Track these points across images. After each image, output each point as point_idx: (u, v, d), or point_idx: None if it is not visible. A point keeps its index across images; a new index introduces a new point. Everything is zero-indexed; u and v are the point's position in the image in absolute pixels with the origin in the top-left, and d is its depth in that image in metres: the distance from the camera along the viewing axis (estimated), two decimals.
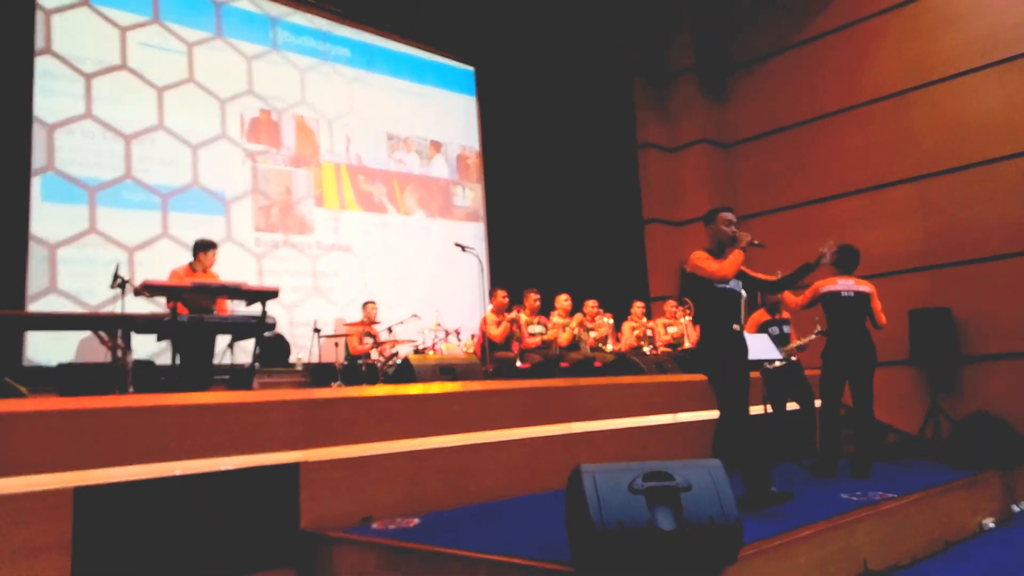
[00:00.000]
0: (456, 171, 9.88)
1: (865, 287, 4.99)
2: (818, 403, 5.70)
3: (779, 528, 3.06)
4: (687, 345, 7.91)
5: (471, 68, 10.16)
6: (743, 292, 4.02)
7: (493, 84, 10.06)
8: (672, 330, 7.97)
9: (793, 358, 5.71)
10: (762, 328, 5.99)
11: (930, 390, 7.33)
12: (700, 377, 6.49)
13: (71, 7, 7.09)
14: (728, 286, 3.82)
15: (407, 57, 9.59)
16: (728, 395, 3.75)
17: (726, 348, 3.80)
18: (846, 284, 4.96)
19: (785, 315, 6.18)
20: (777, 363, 5.45)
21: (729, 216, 3.93)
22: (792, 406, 5.86)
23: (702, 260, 3.81)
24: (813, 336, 5.55)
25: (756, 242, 3.95)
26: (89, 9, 7.20)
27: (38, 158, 6.67)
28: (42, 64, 6.82)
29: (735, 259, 3.80)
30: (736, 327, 3.88)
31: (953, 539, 3.93)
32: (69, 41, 7.03)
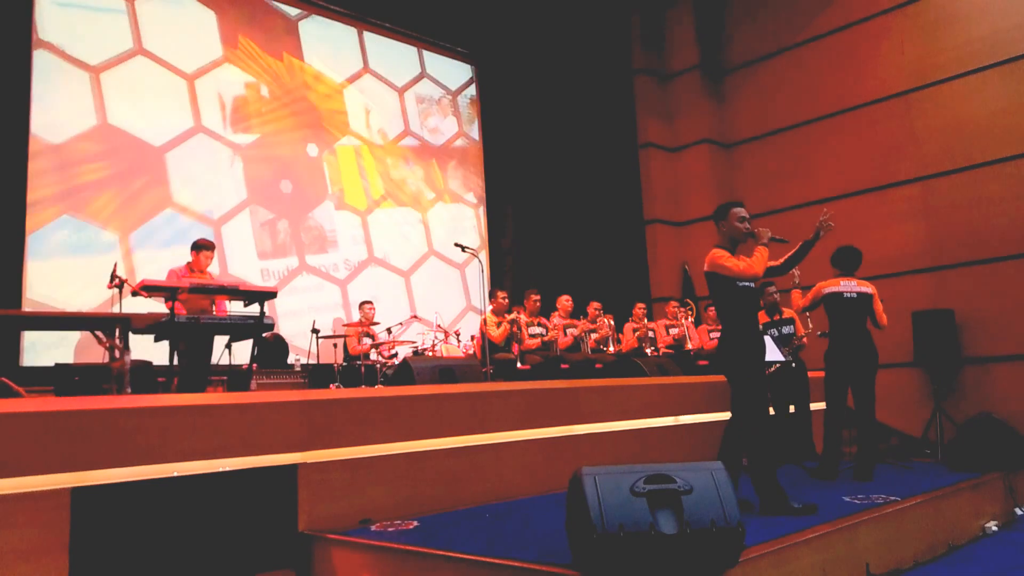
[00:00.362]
0: None
1: (867, 288, 4.98)
2: (817, 405, 5.67)
3: (781, 531, 3.03)
4: (689, 346, 7.88)
5: (470, 65, 10.12)
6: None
7: (493, 83, 10.03)
8: (673, 331, 7.94)
9: (793, 364, 5.67)
10: (762, 330, 5.96)
11: (933, 392, 7.30)
12: (702, 379, 6.48)
13: None
14: (749, 284, 3.75)
15: None
16: (750, 397, 3.67)
17: (751, 349, 3.72)
18: (848, 285, 4.95)
19: (786, 315, 6.16)
20: (776, 365, 5.43)
21: (742, 212, 3.87)
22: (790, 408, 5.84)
23: (726, 259, 3.70)
24: (806, 333, 5.52)
25: (778, 237, 3.89)
26: None
27: None
28: None
29: (762, 256, 3.74)
30: (759, 327, 3.83)
31: (956, 542, 3.91)
32: None
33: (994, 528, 4.27)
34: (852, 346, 4.89)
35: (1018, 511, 4.63)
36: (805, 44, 9.32)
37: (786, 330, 6.07)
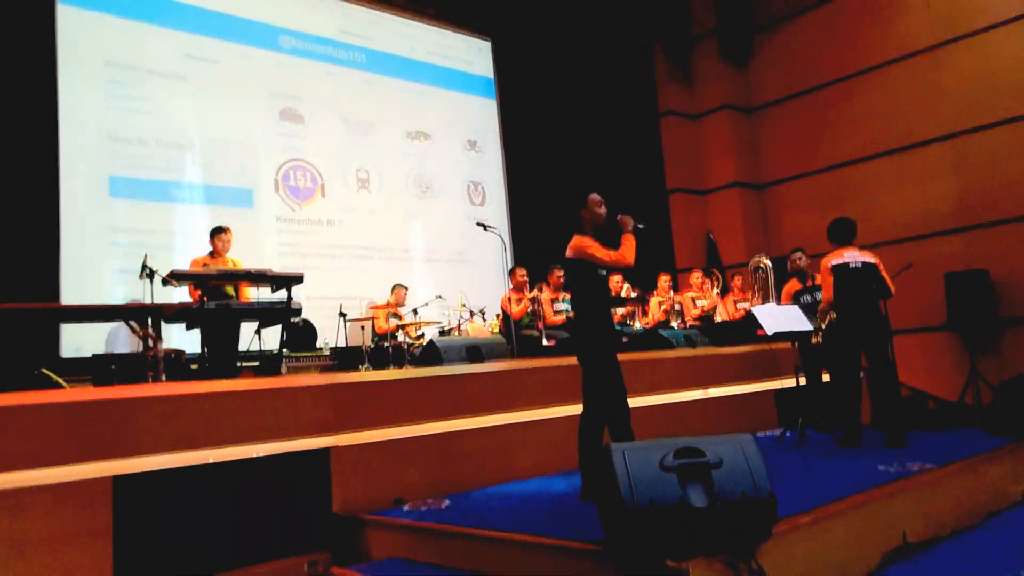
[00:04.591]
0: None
1: (871, 257, 4.98)
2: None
3: (814, 502, 3.01)
4: (719, 318, 7.80)
5: (487, 40, 10.02)
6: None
7: (511, 57, 9.91)
8: (702, 303, 7.88)
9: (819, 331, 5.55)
10: (795, 297, 5.88)
11: (969, 355, 7.17)
12: (731, 350, 6.44)
13: None
14: (604, 273, 3.77)
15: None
16: (605, 385, 3.62)
17: (607, 337, 3.72)
18: (852, 255, 4.94)
19: (817, 281, 6.06)
20: (815, 337, 5.34)
21: (598, 197, 3.89)
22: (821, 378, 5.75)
23: (596, 248, 3.71)
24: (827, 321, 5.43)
25: (640, 225, 3.89)
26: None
27: None
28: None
29: (631, 244, 3.76)
30: (611, 315, 3.87)
31: (995, 508, 3.85)
32: None
33: None
34: (861, 316, 4.87)
35: None
36: (827, 3, 9.07)
37: (819, 296, 5.96)
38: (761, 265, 7.58)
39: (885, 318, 4.90)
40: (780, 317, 5.24)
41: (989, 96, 7.73)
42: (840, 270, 4.92)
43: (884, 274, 4.95)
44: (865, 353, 4.93)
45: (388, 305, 7.27)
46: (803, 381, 5.45)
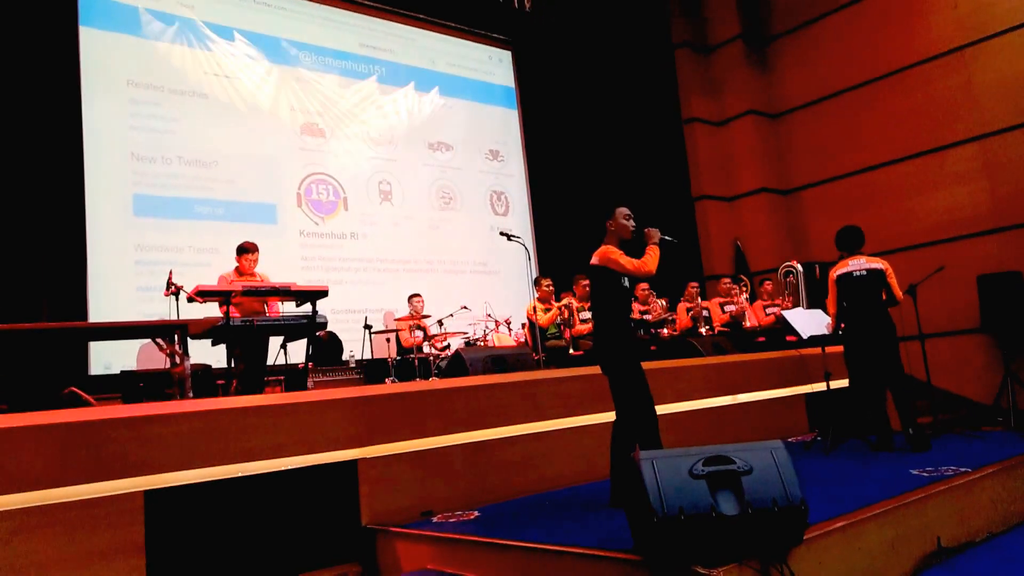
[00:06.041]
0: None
1: (878, 264, 5.01)
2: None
3: (847, 507, 2.95)
4: (748, 324, 7.71)
5: (507, 50, 10.09)
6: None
7: (532, 67, 9.95)
8: (729, 308, 7.79)
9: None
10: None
11: (1004, 358, 7.01)
12: (758, 356, 6.36)
13: None
14: (627, 283, 3.83)
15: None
16: (635, 392, 3.66)
17: (631, 344, 3.79)
18: (857, 263, 5.01)
19: None
20: None
21: (627, 211, 3.94)
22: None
23: (620, 256, 3.78)
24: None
25: (668, 238, 3.93)
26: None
27: None
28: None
29: (654, 255, 3.82)
30: (631, 323, 3.91)
31: None
32: None
33: None
34: (866, 322, 4.91)
35: None
36: (851, 5, 8.99)
37: None
38: (792, 269, 7.49)
39: (891, 323, 4.90)
40: (811, 320, 5.21)
41: (1019, 96, 7.59)
42: (844, 279, 5.01)
43: (892, 281, 4.98)
44: (873, 360, 4.92)
45: (411, 317, 7.29)
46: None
